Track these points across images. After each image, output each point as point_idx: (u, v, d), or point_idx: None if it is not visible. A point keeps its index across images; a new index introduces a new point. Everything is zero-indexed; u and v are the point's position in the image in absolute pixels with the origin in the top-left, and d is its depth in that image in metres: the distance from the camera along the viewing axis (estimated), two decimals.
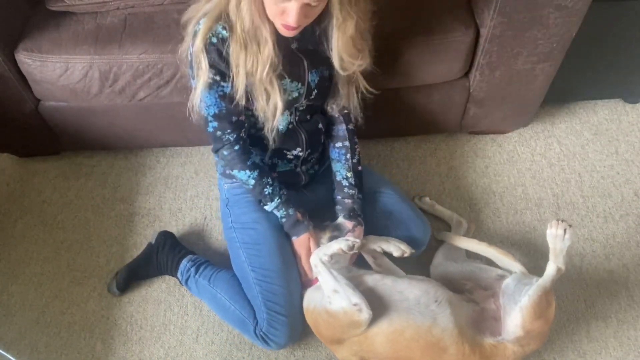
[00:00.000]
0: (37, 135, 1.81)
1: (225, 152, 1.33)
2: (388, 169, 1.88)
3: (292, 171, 1.48)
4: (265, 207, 1.41)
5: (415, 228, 1.51)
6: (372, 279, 1.34)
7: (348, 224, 1.44)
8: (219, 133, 1.30)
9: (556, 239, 1.32)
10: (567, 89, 1.88)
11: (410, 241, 1.44)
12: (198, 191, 1.85)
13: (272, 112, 1.26)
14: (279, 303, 1.38)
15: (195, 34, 1.19)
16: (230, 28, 1.16)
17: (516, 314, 1.26)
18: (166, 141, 1.89)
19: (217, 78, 1.22)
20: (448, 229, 1.71)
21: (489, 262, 1.48)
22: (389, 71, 1.56)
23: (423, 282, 1.35)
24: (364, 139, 1.73)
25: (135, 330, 1.58)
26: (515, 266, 1.43)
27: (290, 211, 1.41)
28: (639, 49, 1.76)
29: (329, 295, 1.29)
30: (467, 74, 1.65)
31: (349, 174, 1.47)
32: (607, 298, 1.58)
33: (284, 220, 1.42)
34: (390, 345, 1.26)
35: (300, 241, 1.43)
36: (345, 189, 1.47)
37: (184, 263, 1.57)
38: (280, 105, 1.24)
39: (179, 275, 1.58)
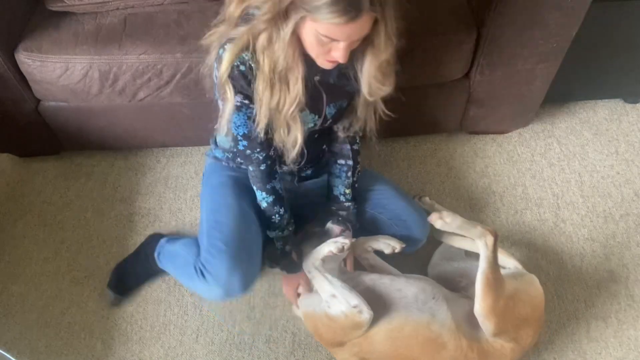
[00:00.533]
0: (37, 135, 1.81)
1: (251, 169, 1.33)
2: (388, 169, 1.88)
3: (283, 173, 1.47)
4: (267, 232, 1.40)
5: (413, 223, 1.48)
6: (370, 279, 1.34)
7: (336, 229, 1.43)
8: (248, 152, 1.29)
9: (448, 228, 1.27)
10: (567, 89, 1.88)
11: (407, 238, 1.44)
12: (198, 191, 1.85)
13: (292, 144, 1.23)
14: (221, 231, 1.33)
15: (220, 59, 1.14)
16: (257, 62, 1.11)
17: (475, 306, 1.24)
18: (166, 141, 1.89)
19: (246, 102, 1.19)
20: None
21: None
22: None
23: (420, 279, 1.36)
24: (364, 139, 1.73)
25: (135, 330, 1.58)
26: (511, 263, 1.43)
27: (287, 248, 1.41)
28: (639, 49, 1.76)
29: (327, 300, 1.28)
30: (467, 74, 1.65)
31: (347, 191, 1.45)
32: (607, 298, 1.58)
33: (279, 252, 1.42)
34: (389, 343, 1.26)
35: (290, 278, 1.44)
36: (342, 203, 1.45)
37: (161, 241, 1.58)
38: (300, 139, 1.21)
39: (155, 254, 1.56)
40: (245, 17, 1.10)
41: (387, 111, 1.32)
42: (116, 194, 1.86)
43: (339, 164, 1.45)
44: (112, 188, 1.87)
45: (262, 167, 1.31)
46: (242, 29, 1.09)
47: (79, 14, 1.61)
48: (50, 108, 1.71)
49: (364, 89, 1.22)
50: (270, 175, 1.33)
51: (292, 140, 1.21)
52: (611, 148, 1.91)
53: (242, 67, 1.13)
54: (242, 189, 1.41)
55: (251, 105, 1.19)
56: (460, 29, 1.51)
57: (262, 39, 1.06)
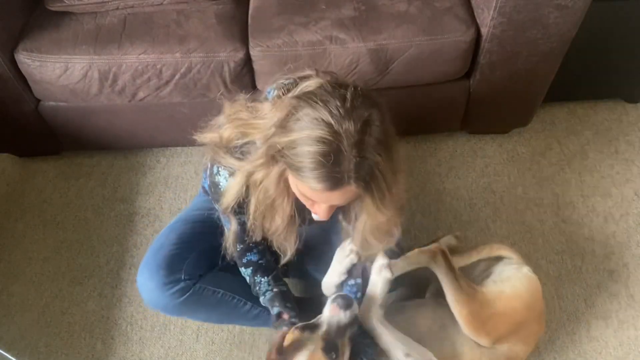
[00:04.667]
0: (37, 135, 1.81)
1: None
2: None
3: None
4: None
5: None
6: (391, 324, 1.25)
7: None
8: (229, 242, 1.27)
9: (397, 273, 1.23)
10: (567, 89, 1.88)
11: None
12: (198, 191, 1.85)
13: (285, 252, 1.20)
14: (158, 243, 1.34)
15: (215, 181, 1.15)
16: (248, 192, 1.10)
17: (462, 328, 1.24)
18: (166, 141, 1.89)
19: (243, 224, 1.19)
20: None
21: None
22: (389, 71, 1.56)
23: (424, 306, 1.31)
24: None
25: (136, 330, 1.58)
26: (511, 256, 1.41)
27: (274, 310, 1.28)
28: (639, 49, 1.76)
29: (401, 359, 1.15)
30: (467, 74, 1.65)
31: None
32: (607, 298, 1.58)
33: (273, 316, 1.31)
34: None
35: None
36: None
37: None
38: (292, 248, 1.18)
39: None
40: (241, 150, 1.09)
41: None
42: (116, 194, 1.86)
43: (349, 285, 1.30)
44: (112, 188, 1.87)
45: (239, 249, 1.27)
46: (234, 162, 1.08)
47: (78, 14, 1.61)
48: (50, 108, 1.71)
49: (356, 242, 1.16)
50: (246, 250, 1.28)
51: (284, 250, 1.19)
52: (611, 148, 1.91)
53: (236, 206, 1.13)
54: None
55: (240, 217, 1.19)
56: (459, 29, 1.51)
57: (255, 177, 1.06)
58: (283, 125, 0.95)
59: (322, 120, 0.91)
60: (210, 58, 1.54)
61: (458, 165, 1.88)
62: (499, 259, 1.41)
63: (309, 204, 1.05)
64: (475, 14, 1.54)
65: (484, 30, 1.51)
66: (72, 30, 1.58)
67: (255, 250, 1.29)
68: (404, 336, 1.18)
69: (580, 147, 1.91)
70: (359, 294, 1.28)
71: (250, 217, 1.11)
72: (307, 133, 0.92)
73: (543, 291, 1.56)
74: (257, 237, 1.17)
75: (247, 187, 1.09)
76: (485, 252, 1.42)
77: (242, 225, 1.19)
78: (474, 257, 1.43)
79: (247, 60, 1.56)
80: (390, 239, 1.17)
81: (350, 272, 1.30)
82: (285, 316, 1.27)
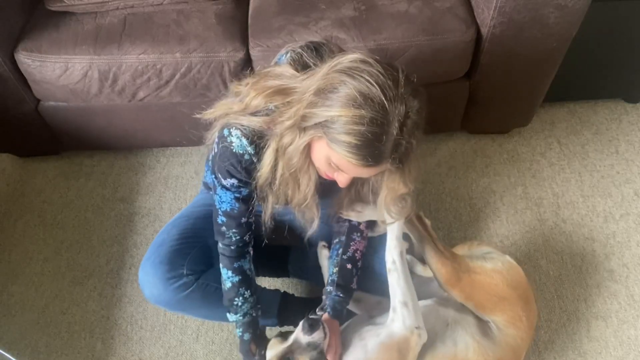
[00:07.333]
0: (37, 135, 1.81)
1: (221, 245, 1.24)
2: None
3: None
4: (227, 315, 1.27)
5: None
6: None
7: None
8: (224, 229, 1.21)
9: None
10: (567, 89, 1.88)
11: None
12: (198, 191, 1.85)
13: (310, 221, 1.18)
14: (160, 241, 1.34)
15: (224, 142, 1.09)
16: (260, 156, 1.08)
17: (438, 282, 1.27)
18: (166, 141, 1.89)
19: (236, 184, 1.15)
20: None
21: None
22: None
23: (427, 307, 1.30)
24: None
25: (136, 330, 1.58)
26: (483, 249, 1.43)
27: (246, 336, 1.26)
28: (639, 49, 1.76)
29: (396, 308, 1.17)
30: (467, 73, 1.65)
31: (334, 270, 1.29)
32: (607, 298, 1.58)
33: (239, 340, 1.28)
34: None
35: None
36: (327, 285, 1.31)
37: None
38: (315, 219, 1.17)
39: None
40: (263, 111, 1.07)
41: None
42: (116, 193, 1.86)
43: (334, 242, 1.33)
44: (112, 188, 1.87)
45: (233, 247, 1.22)
46: (258, 119, 1.06)
47: (78, 14, 1.61)
48: (50, 108, 1.71)
49: (384, 216, 1.18)
50: (240, 254, 1.24)
51: (309, 218, 1.18)
52: (611, 148, 1.91)
53: (246, 157, 1.09)
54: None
55: (241, 189, 1.16)
56: (459, 29, 1.51)
57: (284, 141, 1.04)
58: (325, 97, 0.95)
59: (377, 102, 0.92)
60: (210, 58, 1.54)
61: (458, 165, 1.88)
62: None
63: (331, 171, 1.06)
64: (475, 14, 1.54)
65: (484, 30, 1.51)
66: (72, 30, 1.58)
67: (248, 257, 1.26)
68: (412, 287, 1.20)
69: (580, 147, 1.91)
70: (339, 251, 1.30)
71: (277, 182, 1.10)
72: (357, 112, 0.92)
73: (543, 291, 1.58)
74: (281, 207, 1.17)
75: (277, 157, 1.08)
76: (465, 249, 1.45)
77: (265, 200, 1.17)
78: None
79: (247, 60, 1.56)
80: (407, 206, 1.18)
81: (337, 232, 1.33)
82: (253, 347, 1.25)
